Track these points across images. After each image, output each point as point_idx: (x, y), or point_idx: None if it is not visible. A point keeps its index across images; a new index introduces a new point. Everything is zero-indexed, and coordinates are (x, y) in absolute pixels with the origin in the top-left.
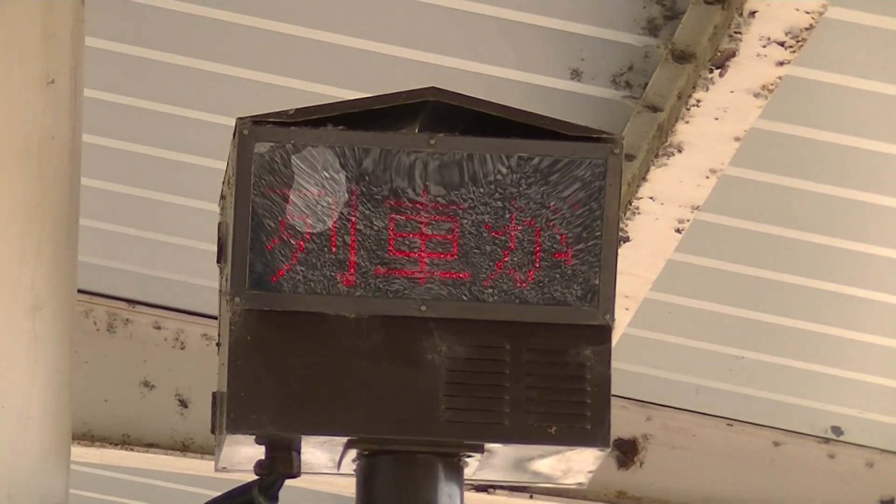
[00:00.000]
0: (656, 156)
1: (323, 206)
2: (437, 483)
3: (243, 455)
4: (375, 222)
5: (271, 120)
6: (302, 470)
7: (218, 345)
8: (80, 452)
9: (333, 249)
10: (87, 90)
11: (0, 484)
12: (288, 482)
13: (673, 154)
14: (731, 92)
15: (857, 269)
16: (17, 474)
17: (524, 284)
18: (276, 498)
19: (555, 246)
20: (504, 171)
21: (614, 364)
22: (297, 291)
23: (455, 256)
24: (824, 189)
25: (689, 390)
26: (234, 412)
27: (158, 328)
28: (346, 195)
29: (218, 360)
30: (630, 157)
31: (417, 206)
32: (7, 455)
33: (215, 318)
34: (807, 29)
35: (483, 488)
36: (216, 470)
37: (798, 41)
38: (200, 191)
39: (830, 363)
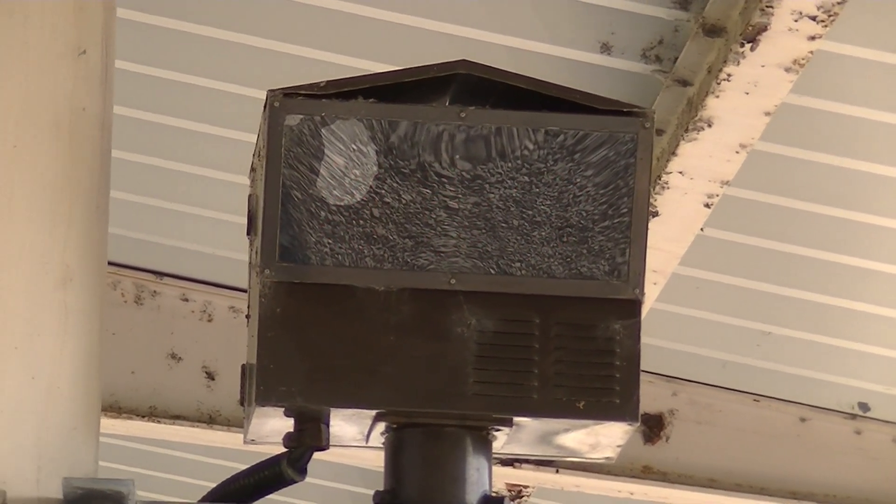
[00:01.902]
0: (686, 130)
1: (352, 179)
2: (465, 456)
3: (272, 427)
4: (403, 195)
5: (302, 92)
6: (330, 443)
7: (247, 317)
8: (106, 424)
9: (361, 222)
10: (118, 62)
11: (29, 455)
12: (316, 455)
13: (703, 129)
14: (762, 66)
15: (886, 244)
16: (46, 445)
17: (552, 258)
18: (304, 470)
19: (583, 221)
20: (532, 145)
21: (641, 339)
22: (325, 264)
23: (483, 230)
24: (853, 164)
25: (715, 365)
26: (263, 384)
27: (186, 300)
28: (375, 168)
29: (247, 333)
30: (660, 132)
31: (445, 179)
32: (36, 426)
33: (243, 290)
34: (839, 3)
35: (509, 462)
36: (245, 442)
37: (830, 16)
38: (230, 163)
39: (857, 339)
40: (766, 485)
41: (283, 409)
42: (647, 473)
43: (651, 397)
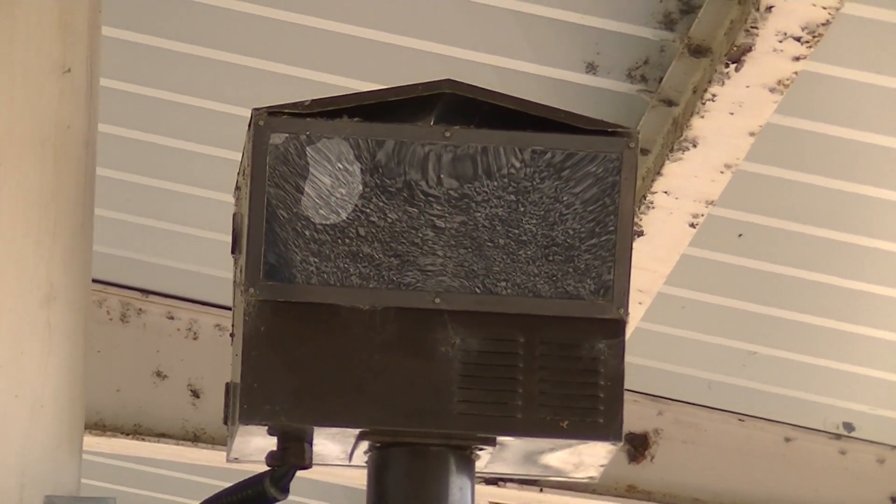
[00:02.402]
0: (671, 150)
1: (337, 198)
2: (448, 476)
3: (255, 446)
4: (389, 214)
5: (287, 111)
6: (314, 461)
7: (232, 335)
8: (91, 442)
9: (347, 241)
10: (102, 80)
11: (12, 472)
12: (299, 474)
13: (688, 148)
14: (747, 87)
15: (872, 265)
16: (29, 463)
17: (538, 278)
18: (287, 489)
19: (568, 240)
20: (517, 164)
21: (626, 358)
22: (310, 283)
23: (469, 249)
24: (839, 185)
25: (700, 385)
26: (247, 403)
27: (171, 318)
28: (361, 187)
29: (231, 351)
30: (645, 152)
31: (431, 198)
32: (20, 443)
33: (228, 308)
34: (823, 24)
35: (493, 481)
36: (228, 460)
37: (814, 36)
38: (215, 181)
39: (843, 359)
40: None
41: (266, 428)
42: (631, 493)
43: (636, 416)
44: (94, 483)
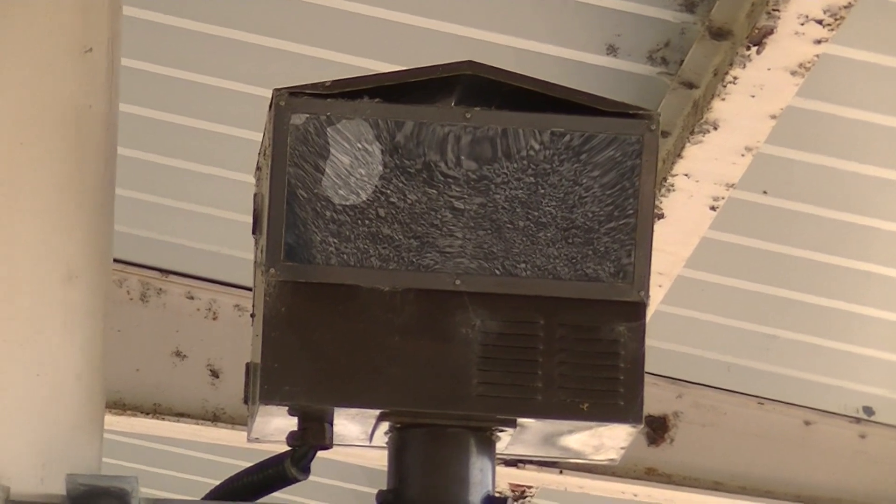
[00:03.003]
0: (691, 133)
1: (357, 179)
2: (468, 457)
3: (275, 426)
4: (409, 195)
5: (308, 91)
6: (334, 442)
7: (252, 316)
8: (111, 421)
9: (367, 222)
10: (123, 59)
11: (34, 451)
12: (320, 454)
13: (708, 131)
14: (768, 69)
15: (892, 248)
16: (50, 441)
17: (557, 260)
18: (307, 469)
19: (588, 222)
20: (537, 146)
21: (646, 341)
22: (330, 263)
23: (488, 231)
24: (860, 168)
25: (720, 368)
26: (267, 383)
27: (191, 298)
28: (381, 168)
29: (252, 331)
30: (665, 134)
31: (450, 179)
32: (41, 423)
33: (248, 288)
34: (845, 7)
35: (513, 463)
36: (248, 440)
37: (836, 19)
38: (235, 161)
39: (863, 343)
40: (770, 488)
41: (286, 408)
42: (651, 475)
43: (656, 399)
44: (113, 462)
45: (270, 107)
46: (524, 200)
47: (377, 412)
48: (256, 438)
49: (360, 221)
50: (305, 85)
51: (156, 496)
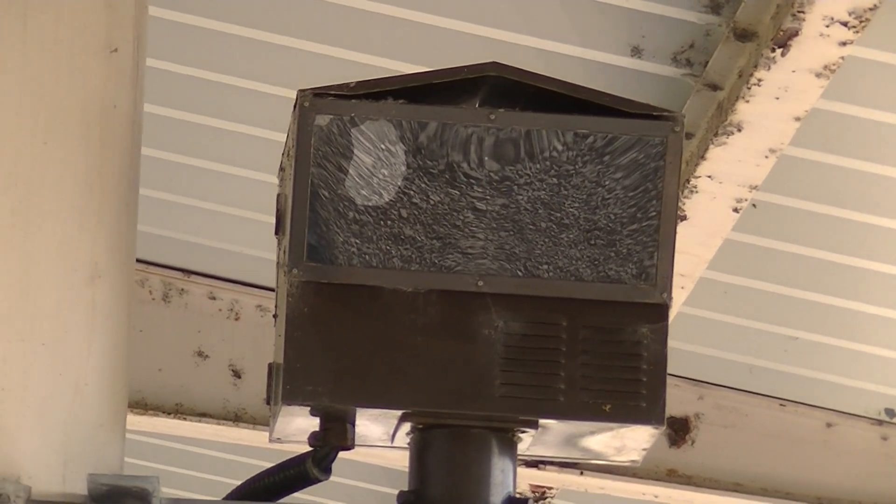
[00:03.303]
0: (715, 134)
1: (380, 179)
2: (490, 458)
3: (297, 426)
4: (432, 196)
5: (332, 92)
6: (356, 442)
7: (275, 316)
8: (132, 420)
9: (389, 223)
10: (148, 60)
11: (56, 450)
12: (341, 454)
13: (732, 133)
14: (793, 71)
15: None
16: (72, 441)
17: (580, 262)
18: (329, 470)
19: (611, 224)
20: (560, 147)
21: (668, 343)
22: (353, 264)
23: (511, 232)
24: (885, 170)
25: (742, 370)
26: (289, 383)
27: (213, 298)
28: (404, 168)
29: (274, 332)
30: (689, 136)
31: (473, 180)
32: (63, 422)
33: (270, 289)
34: (871, 9)
35: (534, 464)
36: (270, 441)
37: (861, 21)
38: (259, 162)
39: (885, 345)
40: (791, 490)
41: (309, 409)
42: (672, 477)
43: (677, 401)
44: (136, 462)
45: (295, 107)
46: (547, 202)
47: (399, 413)
48: (278, 439)
49: (382, 222)
50: (330, 86)
51: (177, 496)
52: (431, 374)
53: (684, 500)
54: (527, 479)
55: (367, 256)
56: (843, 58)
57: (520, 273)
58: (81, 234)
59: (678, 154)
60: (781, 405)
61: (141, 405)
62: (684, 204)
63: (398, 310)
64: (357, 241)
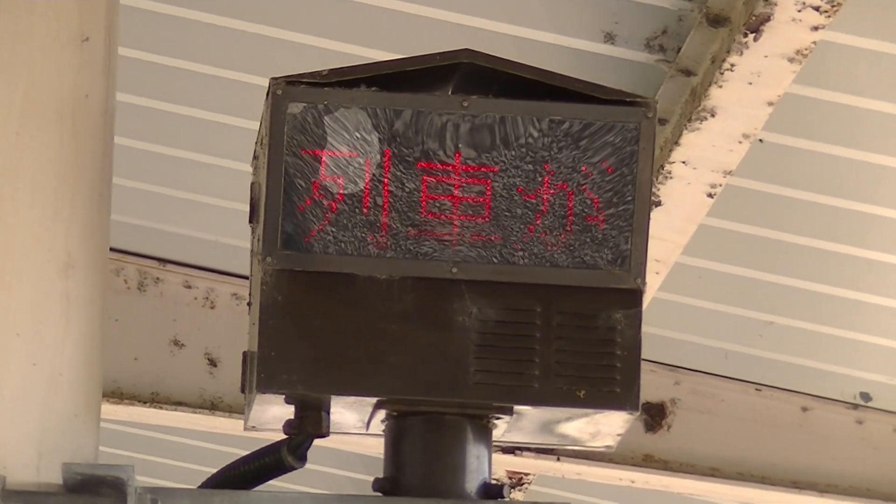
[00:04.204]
0: (689, 120)
1: (355, 167)
2: (465, 444)
3: (272, 414)
4: (407, 184)
5: (305, 80)
6: (331, 430)
7: (249, 304)
8: (109, 410)
9: (365, 211)
10: (121, 49)
11: (31, 440)
12: (317, 442)
13: (706, 118)
14: (766, 56)
15: (891, 234)
16: (47, 431)
17: (555, 248)
18: (304, 457)
19: (586, 210)
20: (535, 134)
21: (643, 328)
22: (328, 252)
23: (486, 219)
24: (857, 155)
25: (718, 355)
26: (264, 372)
27: (189, 287)
28: (378, 156)
29: (249, 320)
30: (663, 122)
31: (449, 168)
32: (38, 412)
33: (246, 277)
34: None
35: (510, 450)
36: (245, 429)
37: (833, 6)
38: (233, 151)
39: (860, 329)
40: (767, 474)
41: (283, 397)
42: (648, 462)
43: (653, 386)
44: (111, 451)
45: (267, 96)
46: (522, 188)
47: (374, 400)
48: (253, 427)
49: (357, 210)
50: (302, 74)
51: (153, 485)
52: (406, 362)
53: (661, 485)
54: (503, 465)
55: (341, 244)
56: (815, 42)
57: (495, 260)
58: (55, 224)
59: (651, 140)
60: (757, 390)
61: (117, 394)
62: (659, 190)
63: (373, 297)
64: (332, 228)
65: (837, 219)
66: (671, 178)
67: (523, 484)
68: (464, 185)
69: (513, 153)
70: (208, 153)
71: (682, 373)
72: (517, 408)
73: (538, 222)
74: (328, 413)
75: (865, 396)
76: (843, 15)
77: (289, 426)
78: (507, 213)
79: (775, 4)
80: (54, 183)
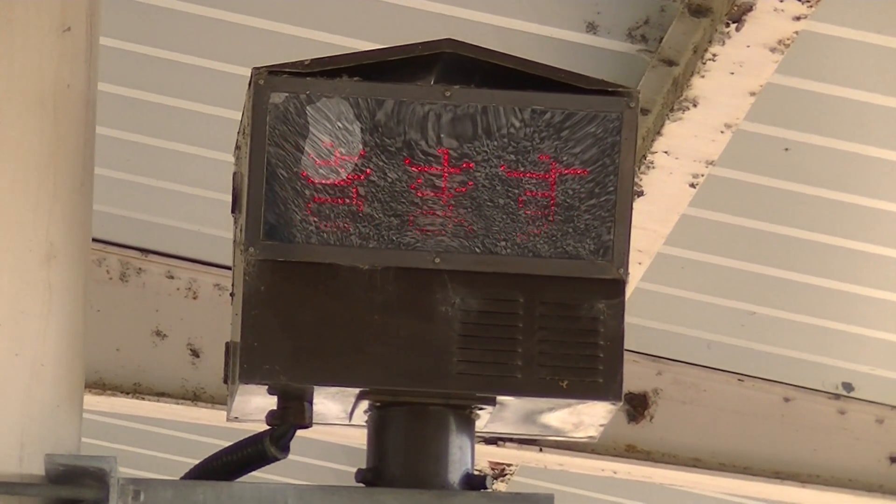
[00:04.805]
0: (671, 110)
1: (337, 157)
2: (448, 435)
3: (255, 405)
4: (389, 174)
5: (287, 70)
6: (314, 421)
7: (231, 295)
8: (91, 401)
9: (347, 201)
10: (102, 39)
11: (13, 431)
12: (299, 433)
13: (688, 108)
14: (748, 46)
15: (872, 225)
16: (29, 422)
17: (537, 238)
18: (287, 448)
19: (568, 200)
20: (517, 124)
21: (626, 318)
22: (310, 242)
23: (469, 209)
24: (838, 145)
25: (700, 345)
26: (247, 362)
27: (171, 278)
28: (361, 146)
29: (231, 311)
30: (645, 112)
31: (431, 158)
32: (20, 403)
33: (228, 268)
34: None
35: (493, 441)
36: (228, 420)
37: None
38: (215, 141)
39: (842, 319)
40: (749, 464)
41: (266, 387)
42: (631, 452)
43: (636, 377)
44: (94, 442)
45: (249, 85)
46: (504, 178)
47: (357, 391)
48: (236, 418)
49: (340, 200)
50: (284, 64)
51: (136, 476)
52: (389, 352)
53: (643, 475)
54: (486, 456)
55: (324, 234)
56: (797, 32)
57: (478, 250)
58: (36, 214)
59: (634, 130)
60: (739, 380)
61: (99, 385)
62: (641, 180)
63: (355, 288)
64: (315, 219)
65: (819, 209)
66: (653, 167)
67: (506, 475)
68: (446, 175)
69: (495, 143)
70: (190, 143)
71: (664, 363)
72: (500, 398)
73: (520, 212)
74: (311, 404)
75: (848, 386)
76: (824, 5)
77: (271, 417)
78: (489, 203)
79: None
80: (35, 173)
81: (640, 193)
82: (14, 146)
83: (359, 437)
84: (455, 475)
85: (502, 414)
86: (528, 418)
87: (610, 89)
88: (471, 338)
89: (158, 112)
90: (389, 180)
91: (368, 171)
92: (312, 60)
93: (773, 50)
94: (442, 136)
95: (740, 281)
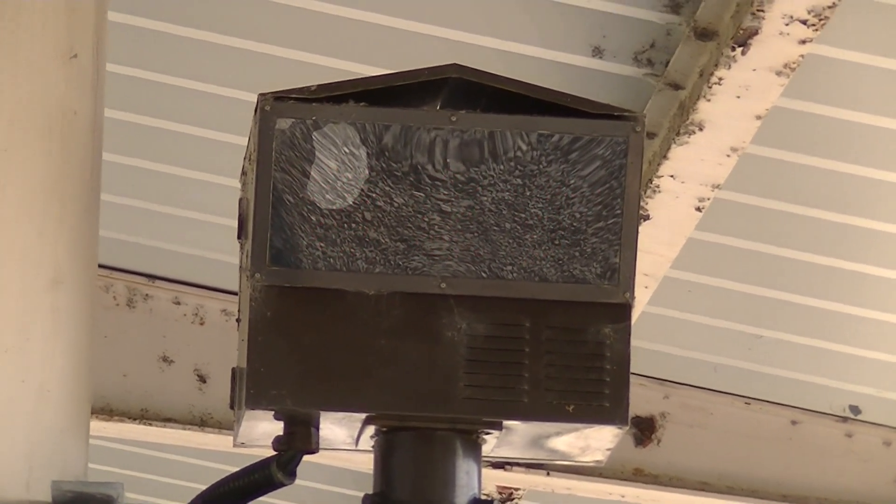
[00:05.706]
0: (677, 134)
1: (343, 183)
2: (455, 460)
3: (262, 431)
4: (395, 199)
5: (293, 96)
6: (320, 446)
7: (238, 320)
8: (98, 426)
9: (353, 226)
10: (109, 65)
11: (20, 456)
12: (306, 458)
13: (694, 132)
14: (754, 70)
15: (878, 247)
16: (36, 447)
17: (544, 262)
18: (294, 474)
19: (575, 224)
20: (524, 147)
21: (633, 342)
22: (317, 268)
23: (475, 234)
24: (844, 168)
25: (707, 369)
26: (253, 388)
27: (178, 303)
28: (367, 171)
29: (238, 336)
30: (651, 135)
31: (437, 182)
32: (27, 428)
33: (235, 293)
34: (829, 7)
35: (500, 465)
36: (234, 445)
37: (821, 19)
38: (221, 166)
39: (849, 342)
40: (757, 487)
41: (273, 413)
42: (638, 476)
43: (643, 400)
44: (101, 468)
45: (256, 111)
46: (511, 202)
47: (363, 416)
48: (243, 443)
49: (346, 225)
50: (291, 89)
51: (143, 502)
52: (395, 377)
53: (651, 499)
54: (493, 480)
55: (331, 259)
56: (802, 56)
57: (484, 274)
58: (43, 240)
59: (640, 154)
60: (746, 403)
61: (106, 411)
62: (647, 203)
63: (362, 313)
64: (321, 244)
65: (825, 232)
66: (659, 191)
67: (513, 499)
68: (452, 199)
69: (501, 167)
70: (197, 169)
71: (671, 386)
72: (507, 423)
73: (527, 237)
74: (317, 429)
75: (855, 409)
76: (830, 28)
77: (278, 442)
78: (495, 228)
79: (763, 18)
80: (42, 199)
81: (647, 217)
82: (21, 172)
83: (366, 462)
84: (462, 500)
85: (509, 438)
86: (535, 442)
87: (616, 113)
88: (477, 362)
89: (165, 138)
90: (396, 205)
91: (375, 195)
92: (318, 86)
93: (779, 73)
94: (448, 160)
95: (747, 304)
